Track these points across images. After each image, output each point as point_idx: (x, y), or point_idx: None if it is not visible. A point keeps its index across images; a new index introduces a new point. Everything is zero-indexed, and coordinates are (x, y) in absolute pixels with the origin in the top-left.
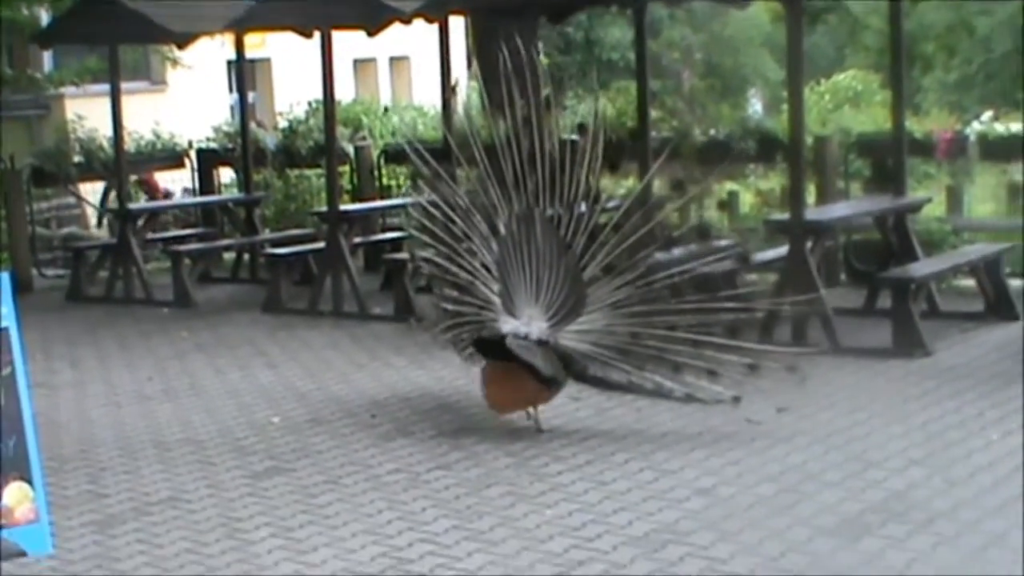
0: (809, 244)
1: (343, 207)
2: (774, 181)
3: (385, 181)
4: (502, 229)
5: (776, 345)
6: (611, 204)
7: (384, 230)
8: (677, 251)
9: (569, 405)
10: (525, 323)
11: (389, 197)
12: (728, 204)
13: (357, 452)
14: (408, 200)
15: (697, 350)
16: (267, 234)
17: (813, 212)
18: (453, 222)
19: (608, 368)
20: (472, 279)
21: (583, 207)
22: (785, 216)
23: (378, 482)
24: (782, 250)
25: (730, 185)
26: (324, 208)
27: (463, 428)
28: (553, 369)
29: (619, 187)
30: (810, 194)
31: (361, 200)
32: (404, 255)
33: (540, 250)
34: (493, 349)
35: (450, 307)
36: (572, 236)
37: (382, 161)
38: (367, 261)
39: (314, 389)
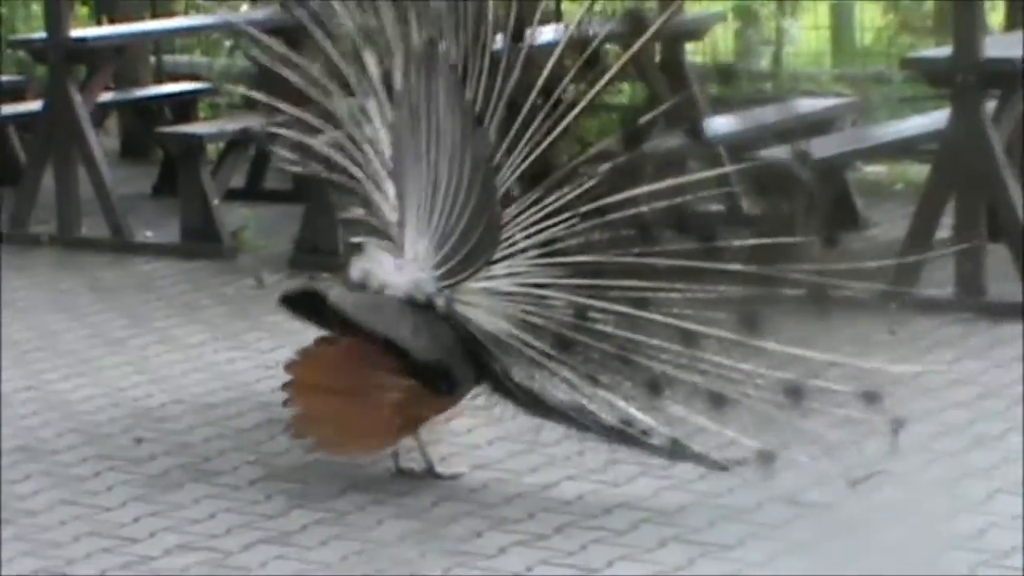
0: (992, 105)
1: (77, 32)
2: None
3: None
4: (397, 79)
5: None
6: (548, 37)
7: (161, 79)
8: (685, 131)
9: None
10: (398, 267)
11: (173, 15)
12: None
13: (107, 513)
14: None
15: (691, 351)
16: None
17: (999, 42)
18: (326, 63)
19: (540, 373)
20: (370, 171)
21: (504, 41)
22: (942, 51)
23: None
24: (934, 118)
25: None
26: (39, 34)
27: (319, 466)
28: (441, 350)
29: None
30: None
31: (113, 21)
32: (201, 128)
33: (440, 126)
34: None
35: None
36: (485, 101)
37: None
38: (127, 138)
39: (20, 388)
